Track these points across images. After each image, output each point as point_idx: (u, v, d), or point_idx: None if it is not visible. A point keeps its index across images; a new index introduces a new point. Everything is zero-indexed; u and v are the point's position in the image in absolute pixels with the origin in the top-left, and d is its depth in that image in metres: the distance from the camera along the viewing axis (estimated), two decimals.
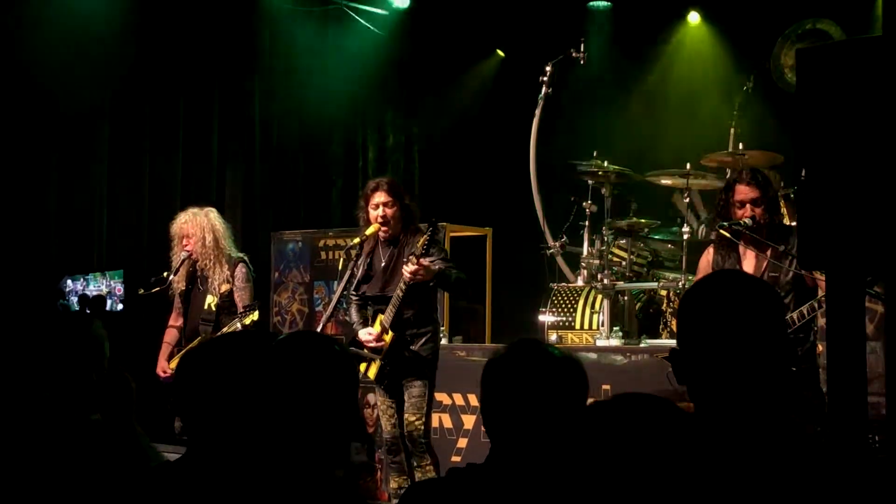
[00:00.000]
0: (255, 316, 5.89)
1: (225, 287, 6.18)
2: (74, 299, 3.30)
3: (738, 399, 1.95)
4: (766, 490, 1.85)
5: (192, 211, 6.33)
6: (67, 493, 2.01)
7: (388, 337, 5.38)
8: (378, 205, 5.45)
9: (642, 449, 1.42)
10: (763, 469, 1.86)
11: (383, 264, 5.50)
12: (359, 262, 5.56)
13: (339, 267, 5.66)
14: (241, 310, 6.02)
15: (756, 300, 2.01)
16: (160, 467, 2.12)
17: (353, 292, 5.59)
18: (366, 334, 5.46)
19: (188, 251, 6.18)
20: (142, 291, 6.06)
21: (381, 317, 5.43)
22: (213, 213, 6.36)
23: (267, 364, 2.00)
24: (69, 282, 3.34)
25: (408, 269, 5.18)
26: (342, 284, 5.56)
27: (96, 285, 3.27)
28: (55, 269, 4.46)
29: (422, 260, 5.18)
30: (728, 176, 6.35)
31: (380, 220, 5.44)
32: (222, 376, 2.00)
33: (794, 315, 4.76)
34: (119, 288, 3.24)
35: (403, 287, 5.26)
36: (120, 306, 3.26)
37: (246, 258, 6.36)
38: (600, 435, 1.44)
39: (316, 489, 1.96)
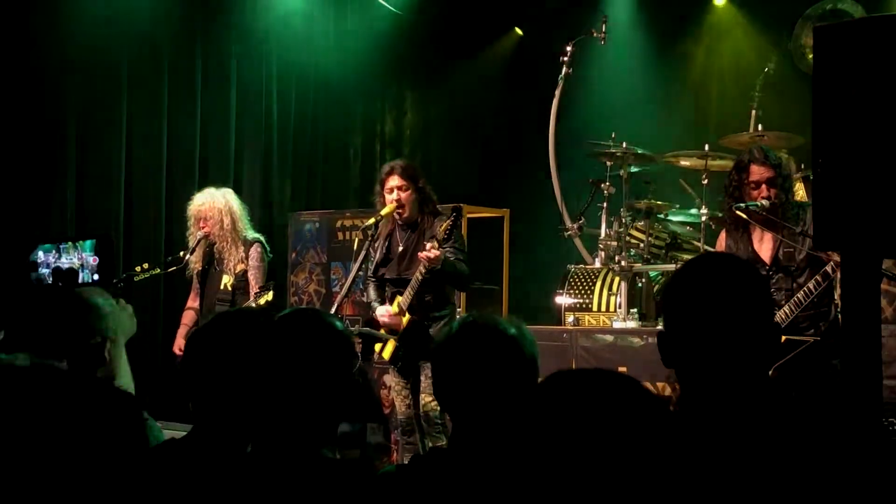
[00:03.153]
0: (270, 296, 5.88)
1: (240, 267, 6.19)
2: (47, 272, 3.26)
3: (722, 382, 1.93)
4: (755, 473, 1.82)
5: (209, 192, 6.33)
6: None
7: (405, 319, 5.38)
8: (392, 188, 5.46)
9: (614, 424, 1.39)
10: (750, 448, 1.83)
11: (402, 248, 5.51)
12: (376, 244, 5.57)
13: (355, 247, 5.67)
14: (256, 289, 6.02)
15: (740, 283, 1.99)
16: (165, 444, 2.12)
17: (371, 275, 5.60)
18: (383, 310, 5.48)
19: (205, 232, 6.19)
20: (157, 270, 6.07)
21: (398, 299, 5.44)
22: (230, 194, 6.36)
23: (263, 341, 1.99)
24: (41, 254, 3.29)
25: (429, 254, 5.17)
26: (357, 264, 5.57)
27: (68, 257, 3.22)
28: (27, 240, 4.38)
29: (440, 249, 5.17)
30: (739, 157, 6.28)
31: (395, 203, 5.43)
32: (223, 353, 2.00)
33: (800, 295, 4.71)
34: (94, 259, 3.19)
35: (423, 271, 5.26)
36: (95, 276, 3.21)
37: (262, 239, 6.36)
38: (557, 408, 1.41)
39: (313, 469, 1.96)
